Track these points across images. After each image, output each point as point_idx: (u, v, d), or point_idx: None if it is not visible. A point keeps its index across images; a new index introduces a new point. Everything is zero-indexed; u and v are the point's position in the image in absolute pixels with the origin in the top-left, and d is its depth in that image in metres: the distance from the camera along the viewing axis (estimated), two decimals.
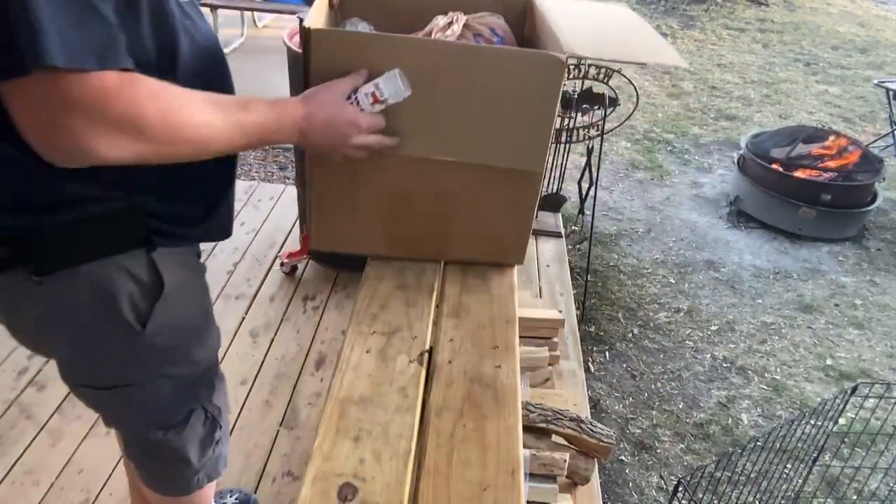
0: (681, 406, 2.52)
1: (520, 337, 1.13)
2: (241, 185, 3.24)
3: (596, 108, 2.81)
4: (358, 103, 1.02)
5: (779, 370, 2.74)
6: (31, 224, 0.89)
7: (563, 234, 3.10)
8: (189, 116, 0.84)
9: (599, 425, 1.69)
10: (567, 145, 2.95)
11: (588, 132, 2.92)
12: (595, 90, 2.78)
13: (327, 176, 1.17)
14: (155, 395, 1.11)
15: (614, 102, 2.78)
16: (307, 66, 1.05)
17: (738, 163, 3.94)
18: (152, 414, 1.15)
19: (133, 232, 0.96)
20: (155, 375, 1.09)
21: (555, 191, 3.16)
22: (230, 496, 1.79)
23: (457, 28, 1.25)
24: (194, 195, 1.03)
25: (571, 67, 2.73)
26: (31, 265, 0.91)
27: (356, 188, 1.17)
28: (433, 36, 1.26)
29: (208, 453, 1.26)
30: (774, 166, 3.68)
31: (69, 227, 0.91)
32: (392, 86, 1.02)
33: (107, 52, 0.74)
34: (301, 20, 2.27)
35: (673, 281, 3.25)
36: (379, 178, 1.16)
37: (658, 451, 2.32)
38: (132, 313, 0.99)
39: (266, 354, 2.31)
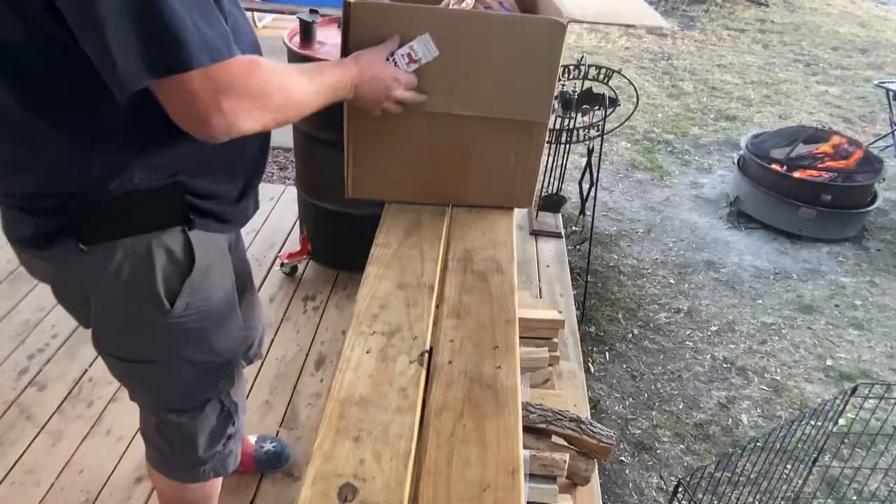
0: (681, 406, 2.52)
1: (520, 337, 1.13)
2: None
3: (596, 108, 2.81)
4: (395, 63, 1.18)
5: (779, 371, 2.74)
6: (80, 199, 0.96)
7: (563, 234, 3.10)
8: (295, 85, 0.97)
9: (599, 426, 1.69)
10: (567, 146, 2.95)
11: (588, 132, 2.92)
12: (595, 90, 2.78)
13: (363, 132, 1.31)
14: (174, 377, 1.15)
15: (614, 103, 2.78)
16: (346, 34, 1.18)
17: (738, 163, 3.94)
18: (170, 394, 1.18)
19: (174, 209, 1.02)
20: (176, 357, 1.13)
21: (555, 191, 3.16)
22: (269, 442, 1.87)
23: (470, 0, 1.37)
24: (232, 174, 1.10)
25: (571, 68, 2.73)
26: (80, 236, 0.98)
27: (388, 142, 1.33)
28: (450, 7, 1.37)
29: (217, 447, 1.27)
30: (774, 167, 3.68)
31: (116, 203, 0.97)
32: (424, 47, 1.18)
33: (229, 43, 0.85)
34: (301, 20, 2.28)
35: (673, 281, 3.25)
36: (407, 132, 1.31)
37: (658, 451, 2.32)
38: (164, 288, 1.04)
39: (266, 355, 2.31)
